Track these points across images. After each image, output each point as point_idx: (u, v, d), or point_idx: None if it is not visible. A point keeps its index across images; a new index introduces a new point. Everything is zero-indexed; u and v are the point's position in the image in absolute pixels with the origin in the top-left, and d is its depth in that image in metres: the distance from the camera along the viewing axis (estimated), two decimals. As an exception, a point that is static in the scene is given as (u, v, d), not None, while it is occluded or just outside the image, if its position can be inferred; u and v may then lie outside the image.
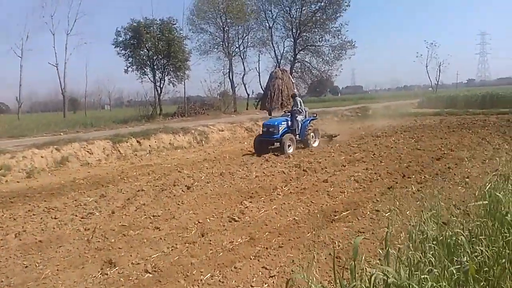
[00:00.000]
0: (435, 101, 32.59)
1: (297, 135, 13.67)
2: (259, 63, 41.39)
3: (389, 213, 5.83)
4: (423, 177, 8.27)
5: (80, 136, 14.72)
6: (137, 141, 14.50)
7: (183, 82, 28.65)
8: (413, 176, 8.35)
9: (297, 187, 8.03)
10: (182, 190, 8.23)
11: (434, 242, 3.03)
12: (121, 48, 27.18)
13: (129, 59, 27.47)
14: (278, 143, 13.13)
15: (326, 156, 11.41)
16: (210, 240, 5.39)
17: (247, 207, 6.79)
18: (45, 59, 52.74)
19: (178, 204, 7.22)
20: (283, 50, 42.19)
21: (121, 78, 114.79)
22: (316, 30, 39.98)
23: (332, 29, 39.19)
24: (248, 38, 36.65)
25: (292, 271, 4.36)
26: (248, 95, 38.32)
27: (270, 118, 14.71)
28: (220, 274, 4.42)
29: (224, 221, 6.15)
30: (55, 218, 6.83)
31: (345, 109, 28.42)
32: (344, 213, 6.22)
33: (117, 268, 4.68)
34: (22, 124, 24.35)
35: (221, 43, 34.48)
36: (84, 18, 72.85)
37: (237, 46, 36.01)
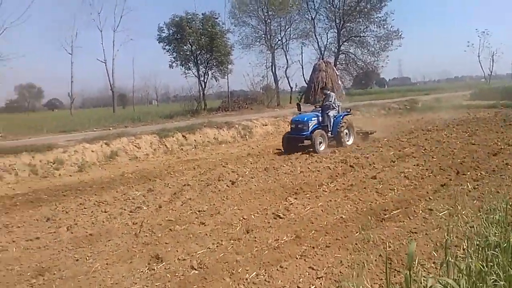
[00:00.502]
0: (489, 93, 30.91)
1: (329, 132, 12.64)
2: (302, 56, 40.71)
3: (443, 213, 5.54)
4: (479, 174, 7.78)
5: (128, 130, 15.12)
6: (183, 136, 14.71)
7: (226, 77, 28.80)
8: (468, 173, 7.88)
9: (343, 184, 7.81)
10: (227, 185, 8.25)
11: (497, 249, 2.78)
12: (165, 44, 27.65)
13: (173, 54, 27.89)
14: (309, 141, 12.17)
15: (374, 151, 11.05)
16: (255, 237, 5.33)
17: (292, 203, 6.69)
18: (94, 56, 54.99)
19: (223, 200, 7.23)
20: (327, 41, 41.40)
21: (167, 73, 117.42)
22: (361, 20, 38.90)
23: (377, 19, 37.93)
24: (290, 30, 36.13)
25: (340, 273, 4.21)
26: (291, 88, 37.86)
27: (300, 113, 13.38)
28: (265, 273, 4.34)
29: (269, 218, 6.08)
30: (105, 212, 7.05)
31: (393, 101, 27.53)
32: (394, 212, 5.96)
33: (163, 263, 4.72)
34: (74, 119, 25.42)
35: (263, 36, 34.29)
36: (130, 14, 75.29)
37: (280, 38, 35.64)
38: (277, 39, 35.44)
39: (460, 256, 3.02)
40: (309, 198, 7.00)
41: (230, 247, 5.07)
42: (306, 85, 36.13)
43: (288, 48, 36.48)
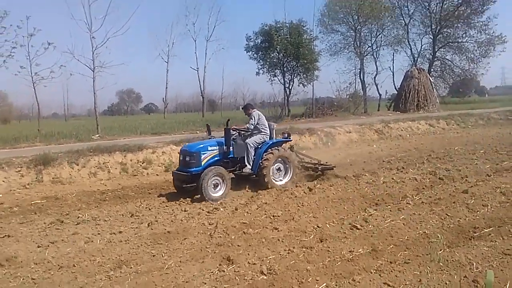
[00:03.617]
0: None
1: (247, 167, 8.82)
2: (393, 62, 39.14)
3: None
4: None
5: (213, 134, 15.52)
6: (264, 141, 14.77)
7: (311, 83, 28.59)
8: None
9: (430, 197, 7.25)
10: (304, 192, 8.11)
11: None
12: (253, 52, 28.23)
13: (260, 61, 28.37)
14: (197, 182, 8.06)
15: (468, 163, 10.16)
16: (329, 247, 5.11)
17: (371, 214, 6.35)
18: (188, 64, 58.60)
19: (299, 206, 7.10)
20: (421, 47, 39.58)
21: (254, 80, 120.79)
22: (459, 25, 36.54)
23: (478, 23, 35.30)
24: (381, 37, 34.89)
25: (418, 292, 3.86)
26: (380, 95, 36.54)
27: (209, 138, 9.50)
28: (336, 285, 4.12)
29: (345, 228, 5.81)
30: (185, 211, 7.30)
31: (493, 111, 25.21)
32: (485, 230, 5.38)
33: (234, 265, 4.71)
34: (166, 122, 26.91)
35: (353, 43, 33.54)
36: (223, 25, 78.88)
37: (370, 45, 34.59)
38: (367, 46, 34.48)
39: None
40: (390, 210, 6.59)
41: (301, 255, 4.92)
42: (396, 92, 34.75)
43: (379, 54, 35.31)
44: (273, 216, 6.58)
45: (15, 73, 18.73)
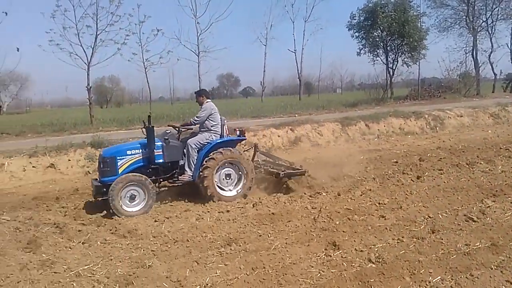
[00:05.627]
0: None
1: (186, 174, 7.22)
2: (511, 38, 35.05)
3: None
4: None
5: (312, 118, 15.51)
6: (366, 125, 14.39)
7: (417, 63, 26.90)
8: None
9: (560, 188, 6.48)
10: (412, 179, 7.73)
11: None
12: (355, 31, 27.34)
13: (362, 41, 27.40)
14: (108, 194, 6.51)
15: None
16: (442, 239, 4.84)
17: (489, 206, 5.85)
18: (285, 46, 58.41)
19: (406, 194, 6.79)
20: (547, 20, 34.72)
21: (353, 61, 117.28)
22: None
23: None
24: (498, 10, 31.31)
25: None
26: (495, 75, 33.10)
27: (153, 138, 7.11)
28: (452, 279, 3.90)
29: (460, 220, 5.45)
30: (287, 194, 7.41)
31: None
32: None
33: (340, 251, 4.69)
34: (264, 106, 27.34)
35: (465, 17, 30.67)
36: (321, 4, 77.44)
37: (484, 19, 31.31)
38: (481, 21, 31.26)
39: None
40: (511, 203, 6.02)
41: (412, 245, 4.73)
42: (514, 72, 31.29)
43: (494, 30, 31.78)
44: (379, 203, 6.39)
45: (128, 59, 20.32)
